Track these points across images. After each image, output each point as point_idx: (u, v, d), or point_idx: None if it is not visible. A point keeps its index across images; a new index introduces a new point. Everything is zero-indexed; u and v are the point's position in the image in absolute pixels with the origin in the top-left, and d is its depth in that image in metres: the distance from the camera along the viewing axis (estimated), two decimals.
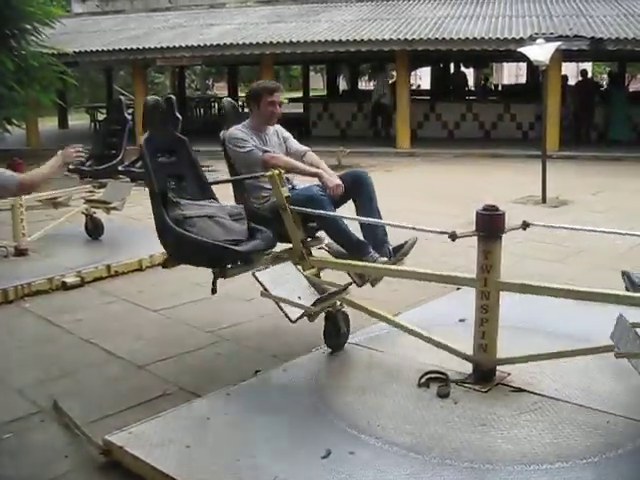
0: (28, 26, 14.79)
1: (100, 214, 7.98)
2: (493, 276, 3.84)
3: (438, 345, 4.15)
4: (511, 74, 46.66)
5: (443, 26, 17.36)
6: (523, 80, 34.83)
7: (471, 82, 29.49)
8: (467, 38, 16.21)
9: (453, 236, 3.97)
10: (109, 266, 6.73)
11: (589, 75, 21.01)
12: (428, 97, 22.99)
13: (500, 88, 30.80)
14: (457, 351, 4.07)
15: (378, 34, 17.11)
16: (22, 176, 3.88)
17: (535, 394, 3.90)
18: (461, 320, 5.09)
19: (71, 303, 6.01)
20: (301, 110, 28.02)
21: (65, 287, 6.37)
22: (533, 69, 24.96)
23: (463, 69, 28.15)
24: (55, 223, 7.93)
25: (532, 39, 15.10)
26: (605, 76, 31.28)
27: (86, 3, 25.14)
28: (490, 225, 3.90)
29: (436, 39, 16.41)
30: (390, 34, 16.98)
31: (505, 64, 42.95)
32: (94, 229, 8.01)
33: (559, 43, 11.15)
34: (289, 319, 3.95)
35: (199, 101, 30.87)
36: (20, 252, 7.28)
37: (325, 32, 17.88)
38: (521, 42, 15.53)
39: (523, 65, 38.04)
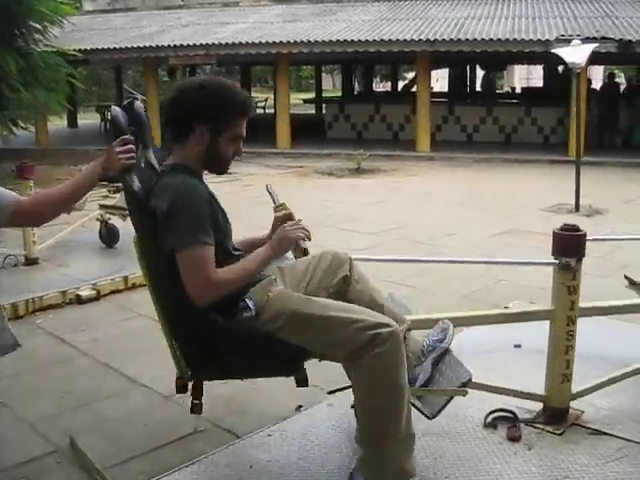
0: (37, 25, 14.32)
1: (116, 221, 7.50)
2: (578, 300, 3.44)
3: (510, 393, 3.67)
4: (522, 77, 46.25)
5: (465, 27, 16.91)
6: (533, 84, 34.39)
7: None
8: (491, 39, 15.75)
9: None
10: (126, 278, 6.22)
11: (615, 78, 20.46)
12: (446, 100, 22.47)
13: (519, 91, 30.15)
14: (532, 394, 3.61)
15: (398, 34, 16.64)
16: (22, 200, 2.74)
17: (618, 437, 3.41)
18: (516, 346, 4.64)
19: (86, 319, 5.54)
20: (313, 111, 27.67)
21: (79, 301, 5.90)
22: (552, 72, 24.56)
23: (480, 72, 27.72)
24: (68, 230, 7.44)
25: (558, 40, 14.69)
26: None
27: (97, 1, 24.72)
28: (573, 246, 3.47)
29: (459, 40, 15.97)
30: (411, 34, 16.53)
31: (516, 67, 42.43)
32: (109, 237, 7.53)
33: (595, 45, 10.68)
34: None
35: None
36: (31, 261, 6.82)
37: (343, 32, 17.43)
38: (547, 44, 15.15)
39: (534, 68, 37.59)
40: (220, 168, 2.89)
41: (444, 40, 16.06)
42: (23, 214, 2.72)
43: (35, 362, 4.68)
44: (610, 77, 19.50)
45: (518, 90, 29.06)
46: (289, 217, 3.01)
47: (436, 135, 18.94)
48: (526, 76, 44.86)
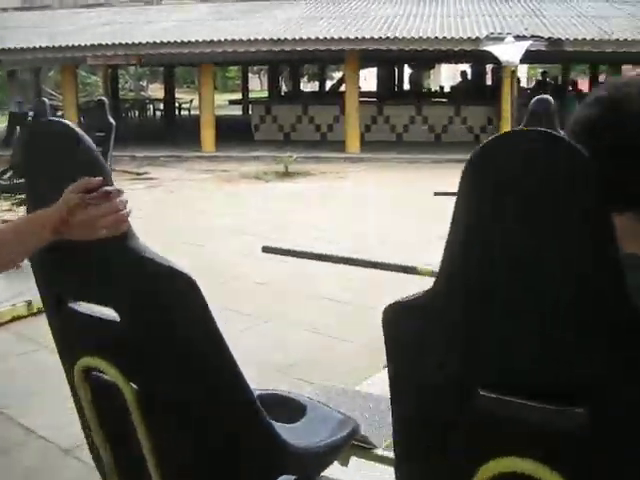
0: None
1: None
2: None
3: None
4: (449, 76, 46.36)
5: (394, 25, 16.56)
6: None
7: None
8: (420, 37, 15.43)
9: None
10: (30, 303, 5.54)
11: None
12: (375, 99, 22.14)
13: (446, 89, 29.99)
14: None
15: (326, 32, 16.18)
16: None
17: None
18: None
19: None
20: (240, 113, 27.09)
21: None
22: (480, 71, 24.47)
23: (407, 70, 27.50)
24: None
25: (488, 39, 14.46)
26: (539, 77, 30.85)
27: None
28: None
29: (388, 38, 15.60)
30: (339, 33, 16.08)
31: (443, 66, 42.49)
32: None
33: (529, 42, 10.44)
34: None
35: (133, 103, 29.65)
36: None
37: (269, 30, 16.88)
38: (477, 42, 14.92)
39: (461, 67, 37.61)
40: None
41: (373, 38, 15.67)
42: None
43: None
44: (543, 75, 19.44)
45: (447, 89, 28.96)
46: None
47: (365, 136, 18.52)
48: (453, 75, 44.97)
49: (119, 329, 1.50)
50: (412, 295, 1.16)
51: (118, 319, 1.48)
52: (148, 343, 1.50)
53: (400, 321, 1.18)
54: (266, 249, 2.92)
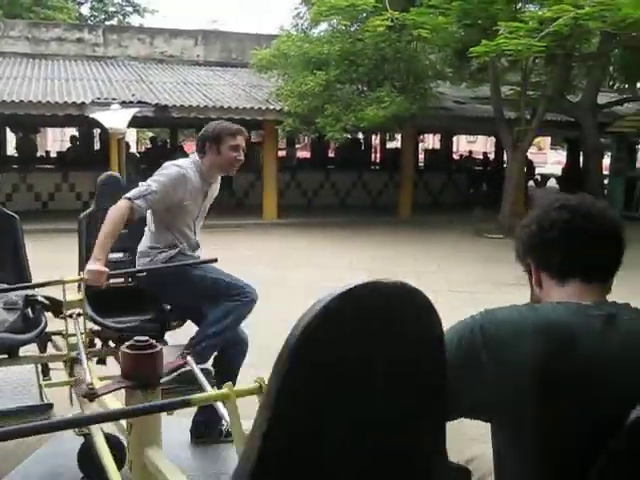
0: None
1: None
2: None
3: None
4: (56, 139, 45.04)
5: None
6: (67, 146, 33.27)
7: (11, 148, 26.71)
8: (22, 101, 14.46)
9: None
10: None
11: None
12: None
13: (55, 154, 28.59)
14: None
15: None
16: None
17: None
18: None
19: None
20: None
21: None
22: (90, 135, 23.90)
23: (11, 134, 26.01)
24: None
25: (94, 104, 14.12)
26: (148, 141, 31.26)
27: None
28: (138, 372, 2.44)
29: None
30: None
31: (50, 129, 40.98)
32: None
33: (136, 109, 10.29)
34: None
35: None
36: None
37: None
38: (82, 107, 14.48)
39: (68, 131, 36.46)
40: None
41: None
42: None
43: None
44: (152, 140, 19.56)
45: (54, 154, 27.59)
46: None
47: (7, 205, 16.83)
48: (60, 138, 43.67)
49: None
50: None
51: None
52: None
53: None
54: None
